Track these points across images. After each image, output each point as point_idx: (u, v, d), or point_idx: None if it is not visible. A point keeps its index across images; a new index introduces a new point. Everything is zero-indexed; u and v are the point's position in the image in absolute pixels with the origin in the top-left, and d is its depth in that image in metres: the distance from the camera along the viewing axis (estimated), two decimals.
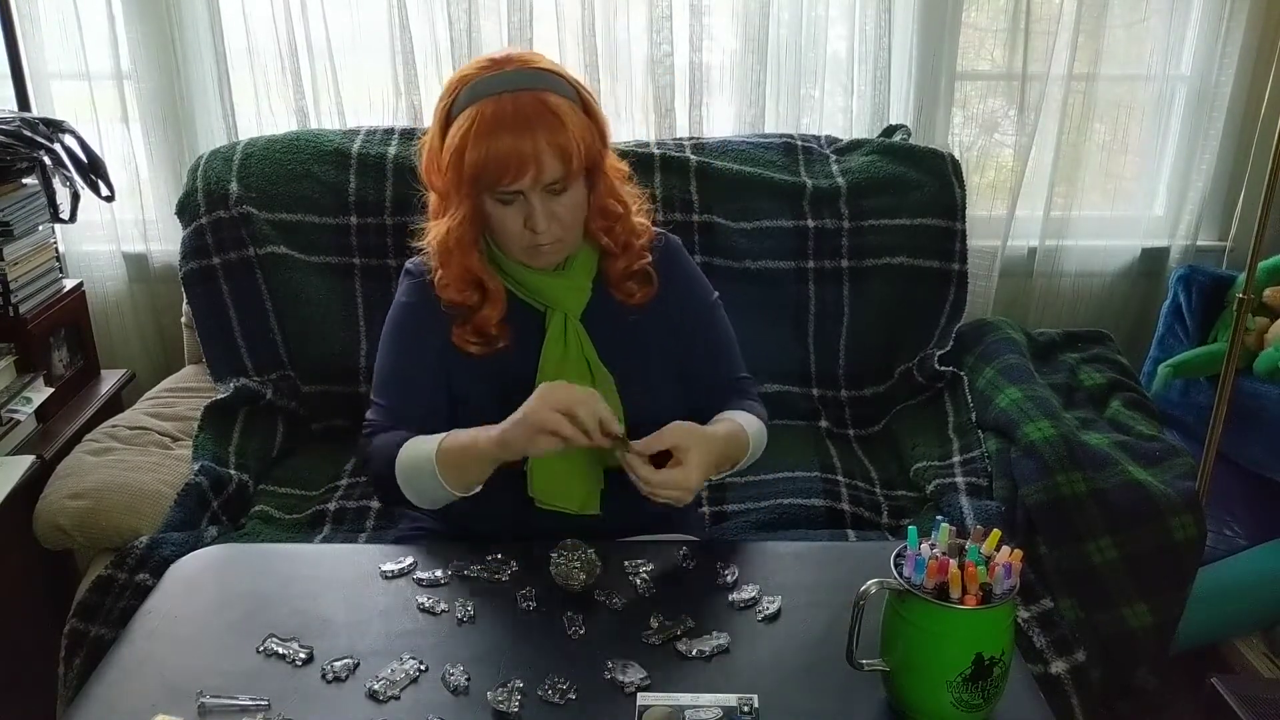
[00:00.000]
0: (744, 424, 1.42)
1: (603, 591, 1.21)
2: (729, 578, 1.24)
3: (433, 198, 1.40)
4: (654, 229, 1.48)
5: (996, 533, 1.02)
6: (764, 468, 1.91)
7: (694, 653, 1.10)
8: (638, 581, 1.23)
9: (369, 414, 1.43)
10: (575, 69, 2.26)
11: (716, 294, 1.54)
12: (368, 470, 1.42)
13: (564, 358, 1.38)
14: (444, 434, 1.31)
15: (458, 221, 1.33)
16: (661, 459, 1.28)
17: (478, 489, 1.30)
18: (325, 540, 1.72)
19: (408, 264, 1.47)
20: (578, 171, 1.29)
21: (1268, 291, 2.19)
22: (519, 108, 1.25)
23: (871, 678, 1.04)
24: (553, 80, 1.29)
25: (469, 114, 1.27)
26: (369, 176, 2.05)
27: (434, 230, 1.38)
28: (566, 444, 1.22)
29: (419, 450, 1.31)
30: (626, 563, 1.26)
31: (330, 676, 1.06)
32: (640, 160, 2.07)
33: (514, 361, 1.38)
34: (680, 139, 2.23)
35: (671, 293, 1.45)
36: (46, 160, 1.93)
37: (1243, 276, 2.01)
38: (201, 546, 1.47)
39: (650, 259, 1.43)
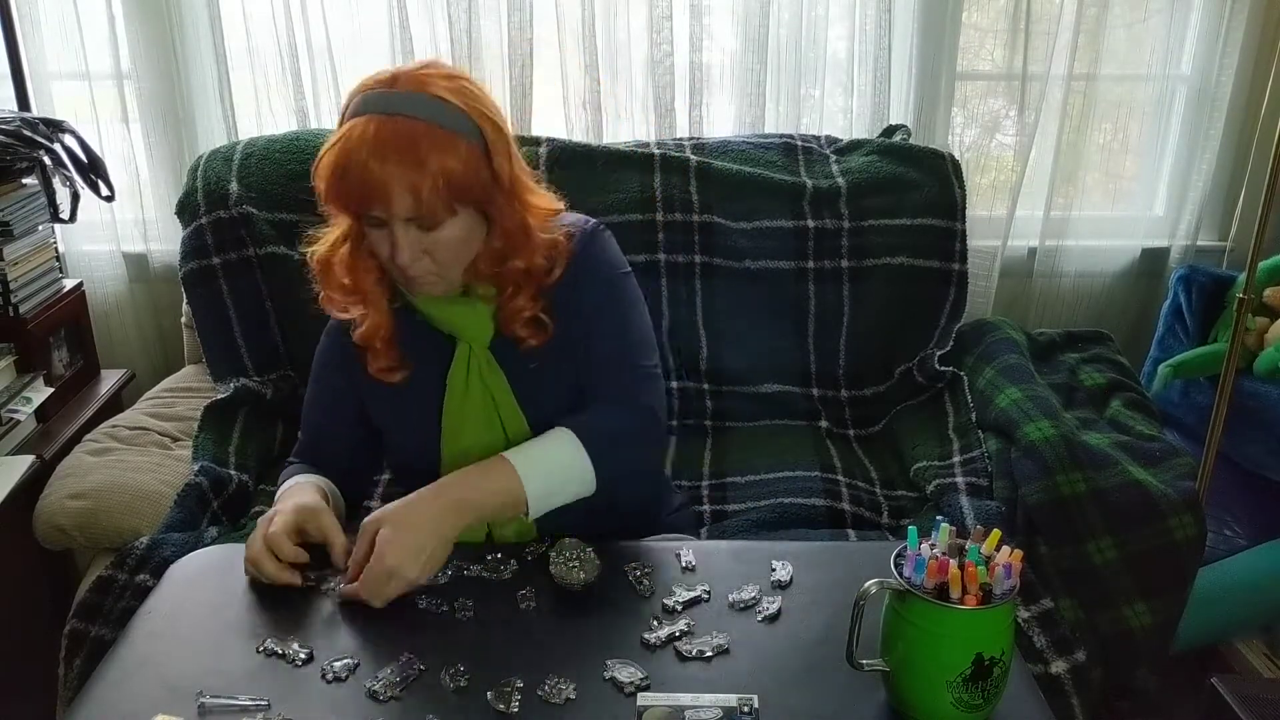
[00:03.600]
0: (521, 451, 1.27)
1: (601, 591, 1.21)
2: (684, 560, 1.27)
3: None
4: (574, 230, 1.34)
5: (996, 533, 1.02)
6: (764, 468, 1.92)
7: (694, 653, 1.10)
8: (637, 582, 1.23)
9: (295, 447, 1.48)
10: (575, 69, 2.26)
11: (622, 270, 1.38)
12: None
13: (466, 391, 1.33)
14: (299, 490, 1.32)
15: (336, 236, 1.30)
16: None
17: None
18: None
19: None
20: (438, 211, 1.19)
21: (1268, 291, 2.19)
22: (380, 135, 1.16)
23: (871, 678, 1.04)
24: (438, 109, 1.18)
25: (344, 128, 1.19)
26: None
27: (314, 245, 1.33)
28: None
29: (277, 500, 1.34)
30: (626, 563, 1.26)
31: (330, 676, 1.06)
32: (640, 160, 2.07)
33: (425, 391, 1.34)
34: (680, 139, 2.23)
35: (573, 308, 1.33)
36: (46, 160, 1.93)
37: (1243, 276, 2.01)
38: (202, 546, 1.48)
39: (542, 306, 1.31)
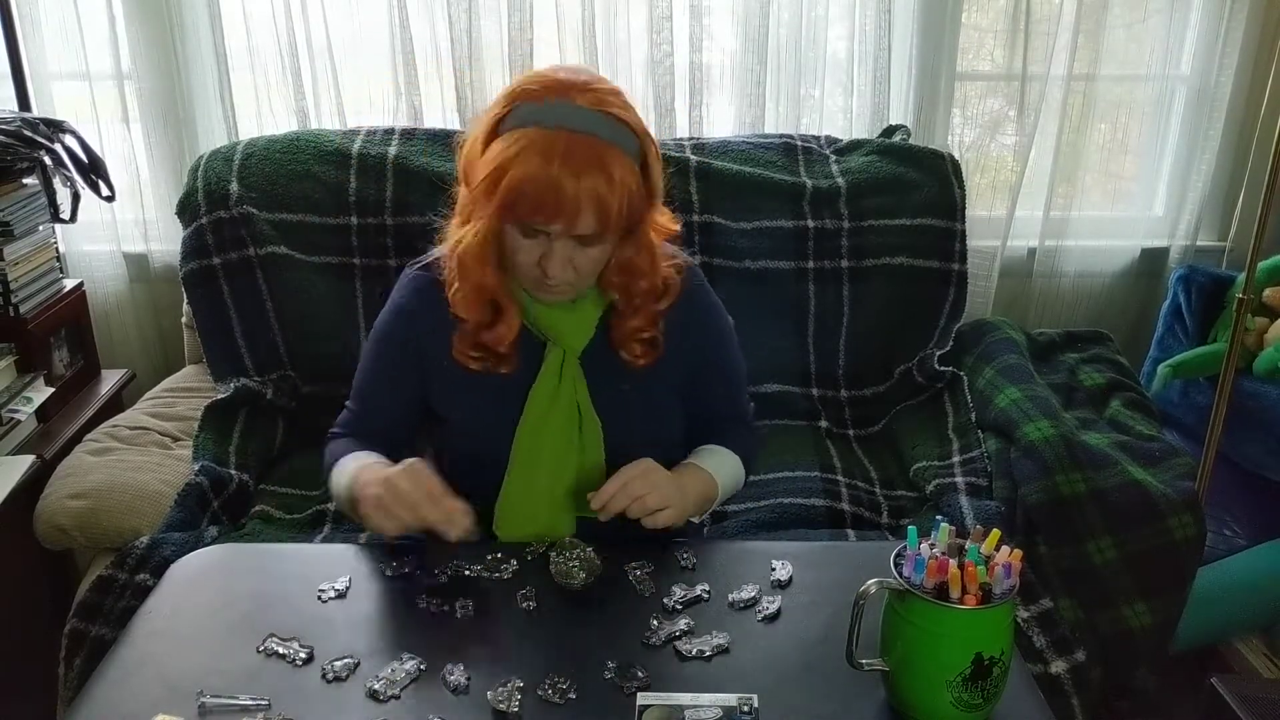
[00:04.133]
0: (713, 463, 1.38)
1: (604, 590, 1.21)
2: (686, 563, 1.27)
3: (463, 194, 1.30)
4: (683, 264, 1.38)
5: (996, 532, 1.02)
6: (764, 468, 1.91)
7: (694, 653, 1.10)
8: (637, 582, 1.23)
9: (339, 417, 1.45)
10: None
11: (731, 322, 1.47)
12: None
13: (554, 398, 1.33)
14: (366, 463, 1.30)
15: (479, 237, 1.25)
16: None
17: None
18: (325, 540, 1.72)
19: (409, 267, 1.41)
20: (613, 231, 1.22)
21: (1267, 291, 2.19)
22: (572, 150, 1.16)
23: (871, 678, 1.04)
24: (618, 129, 1.20)
25: (518, 136, 1.18)
26: (369, 177, 2.05)
27: (453, 236, 1.30)
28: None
29: (342, 475, 1.32)
30: (626, 563, 1.26)
31: (330, 676, 1.06)
32: None
33: (506, 388, 1.33)
34: (680, 139, 2.23)
35: (686, 343, 1.38)
36: (47, 160, 1.93)
37: (1242, 276, 2.01)
38: (202, 546, 1.47)
39: (660, 328, 1.35)
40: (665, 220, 1.34)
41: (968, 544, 1.01)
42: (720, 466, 1.39)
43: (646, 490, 1.23)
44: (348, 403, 1.45)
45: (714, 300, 1.45)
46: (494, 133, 1.21)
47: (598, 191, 1.16)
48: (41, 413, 1.89)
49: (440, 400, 1.38)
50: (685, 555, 1.28)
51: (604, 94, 1.20)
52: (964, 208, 2.14)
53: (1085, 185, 2.47)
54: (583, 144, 1.16)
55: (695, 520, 1.41)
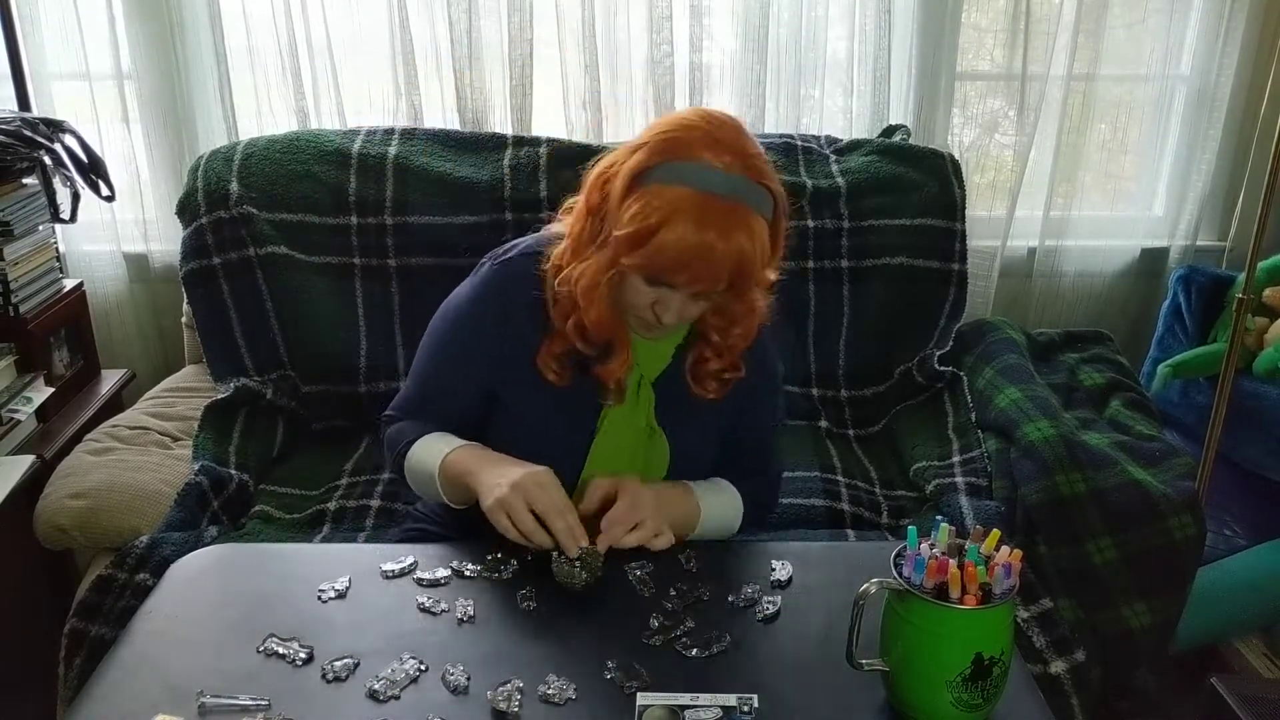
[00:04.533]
0: (706, 493, 1.38)
1: (603, 591, 1.21)
2: (691, 566, 1.27)
3: (591, 223, 1.27)
4: (769, 309, 1.36)
5: (996, 533, 1.02)
6: None
7: (694, 653, 1.10)
8: (638, 582, 1.23)
9: (396, 399, 1.45)
10: (575, 69, 2.26)
11: (783, 372, 1.51)
12: (385, 453, 1.44)
13: (630, 417, 1.35)
14: (452, 445, 1.32)
15: (608, 277, 1.24)
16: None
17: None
18: (325, 540, 1.72)
19: (492, 257, 1.38)
20: (735, 289, 1.24)
21: (1267, 291, 2.19)
22: (729, 222, 1.16)
23: (871, 678, 1.04)
24: (763, 199, 1.20)
25: (669, 197, 1.16)
26: (369, 176, 2.05)
27: (574, 262, 1.28)
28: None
29: (428, 454, 1.33)
30: (626, 563, 1.26)
31: (330, 676, 1.06)
32: None
33: (581, 399, 1.34)
34: None
35: (745, 383, 1.38)
36: (47, 160, 1.93)
37: (1242, 276, 2.01)
38: (201, 546, 1.47)
39: (743, 372, 1.36)
40: (771, 274, 1.31)
41: (968, 544, 1.01)
42: (714, 504, 1.39)
43: (636, 520, 1.24)
44: (409, 390, 1.44)
45: (772, 345, 1.45)
46: (639, 177, 1.20)
47: (741, 256, 1.18)
48: (41, 413, 1.89)
49: (512, 400, 1.37)
50: (686, 555, 1.28)
51: (752, 159, 1.20)
52: (964, 208, 2.14)
53: (1085, 185, 2.47)
54: (732, 213, 1.17)
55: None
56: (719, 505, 1.40)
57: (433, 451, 1.33)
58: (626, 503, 1.24)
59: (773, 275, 1.32)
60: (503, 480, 1.22)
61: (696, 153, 1.18)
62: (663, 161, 1.19)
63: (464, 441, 1.34)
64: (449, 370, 1.40)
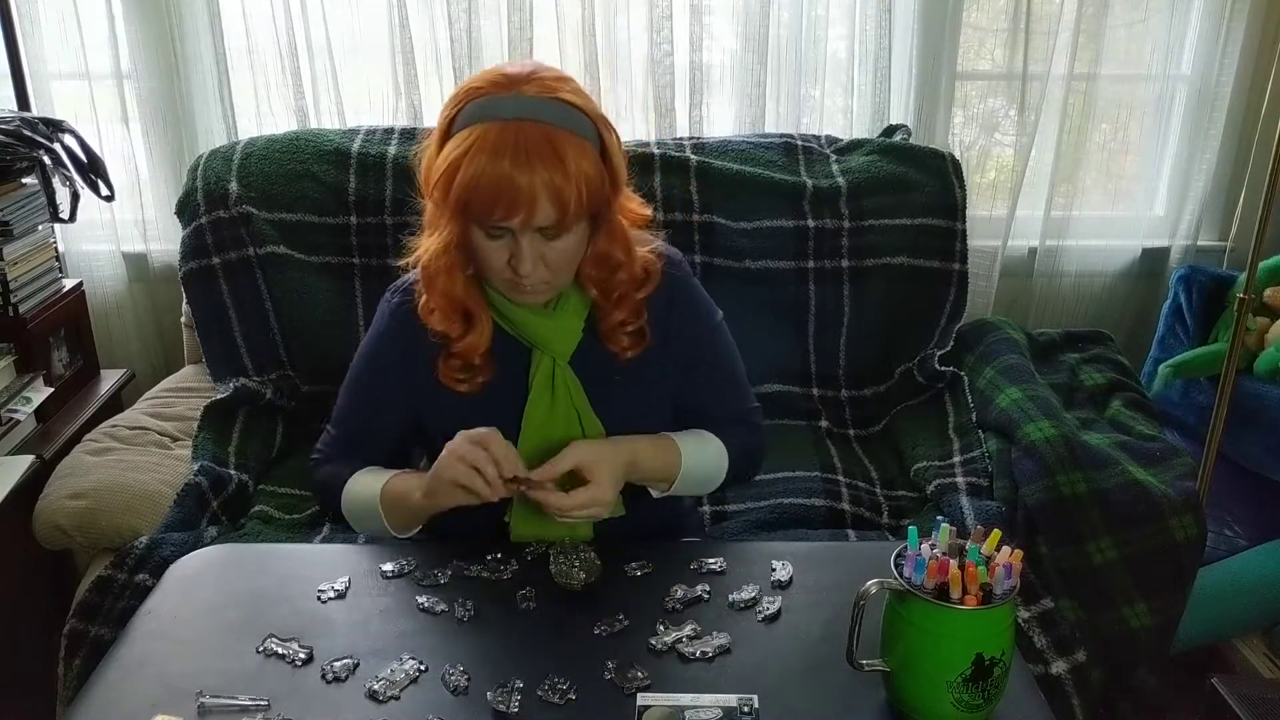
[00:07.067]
0: (686, 439, 1.35)
1: (603, 591, 1.21)
2: (716, 568, 1.26)
3: (429, 207, 1.28)
4: (661, 251, 1.35)
5: (997, 533, 1.02)
6: (764, 468, 1.91)
7: (694, 653, 1.10)
8: (638, 582, 1.23)
9: (320, 441, 1.43)
10: (575, 69, 2.26)
11: (720, 315, 1.44)
12: (318, 500, 1.43)
13: (551, 406, 1.30)
14: (388, 475, 1.32)
15: (444, 244, 1.24)
16: (570, 482, 1.23)
17: (418, 529, 1.32)
18: (325, 540, 1.72)
19: (390, 289, 1.38)
20: (575, 219, 1.18)
21: (1268, 291, 2.19)
22: (522, 140, 1.13)
23: (871, 678, 1.04)
24: (571, 115, 1.17)
25: (469, 134, 1.15)
26: (369, 176, 2.05)
27: (422, 246, 1.28)
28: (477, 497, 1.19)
29: (364, 489, 1.33)
30: (626, 563, 1.26)
31: (330, 676, 1.06)
32: (640, 160, 2.07)
33: (498, 406, 1.30)
34: (680, 139, 2.23)
35: (672, 328, 1.35)
36: (46, 160, 1.93)
37: (1243, 276, 2.01)
38: (201, 546, 1.47)
39: (645, 318, 1.32)
40: (635, 206, 1.31)
41: (968, 544, 1.01)
42: (693, 451, 1.35)
43: (585, 459, 1.23)
44: (329, 428, 1.43)
45: (698, 288, 1.41)
46: (446, 135, 1.19)
47: (552, 180, 1.13)
48: (41, 413, 1.89)
49: (434, 422, 1.35)
50: (686, 556, 1.28)
51: (551, 81, 1.18)
52: (964, 207, 2.14)
53: (1086, 185, 2.47)
54: (533, 133, 1.13)
55: (655, 494, 1.36)
56: (699, 453, 1.36)
57: (369, 484, 1.32)
58: (588, 497, 1.21)
59: (638, 207, 1.30)
60: (435, 464, 1.22)
61: (492, 88, 1.17)
62: (459, 109, 1.18)
63: (399, 470, 1.34)
64: (368, 409, 1.39)
